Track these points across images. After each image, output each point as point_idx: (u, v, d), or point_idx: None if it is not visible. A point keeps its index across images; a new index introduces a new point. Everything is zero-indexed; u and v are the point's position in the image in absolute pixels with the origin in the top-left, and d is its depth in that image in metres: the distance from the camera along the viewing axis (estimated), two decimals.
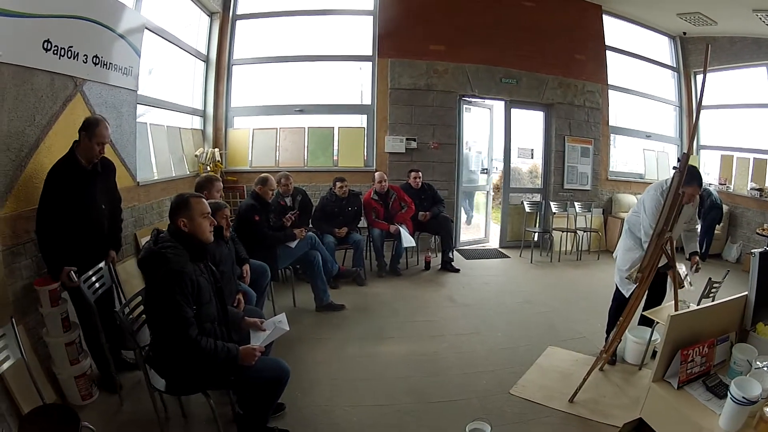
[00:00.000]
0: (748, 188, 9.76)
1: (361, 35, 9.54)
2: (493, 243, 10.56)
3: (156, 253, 2.98)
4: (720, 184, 10.41)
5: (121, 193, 4.67)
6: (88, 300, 3.89)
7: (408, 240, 7.65)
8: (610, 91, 10.58)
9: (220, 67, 9.12)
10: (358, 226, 7.95)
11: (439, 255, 8.56)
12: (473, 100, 9.86)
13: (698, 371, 3.00)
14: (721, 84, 10.76)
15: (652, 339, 4.60)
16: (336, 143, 9.55)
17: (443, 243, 8.40)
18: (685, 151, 3.88)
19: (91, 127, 3.93)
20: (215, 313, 3.22)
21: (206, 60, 9.03)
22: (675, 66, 11.62)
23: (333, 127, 9.52)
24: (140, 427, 3.72)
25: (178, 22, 7.70)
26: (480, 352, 5.20)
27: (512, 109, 10.01)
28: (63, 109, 4.52)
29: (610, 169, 10.89)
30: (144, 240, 5.70)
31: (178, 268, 2.93)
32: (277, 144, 9.36)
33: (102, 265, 4.25)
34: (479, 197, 11.55)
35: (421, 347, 5.30)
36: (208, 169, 8.12)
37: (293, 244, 6.34)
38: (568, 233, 9.65)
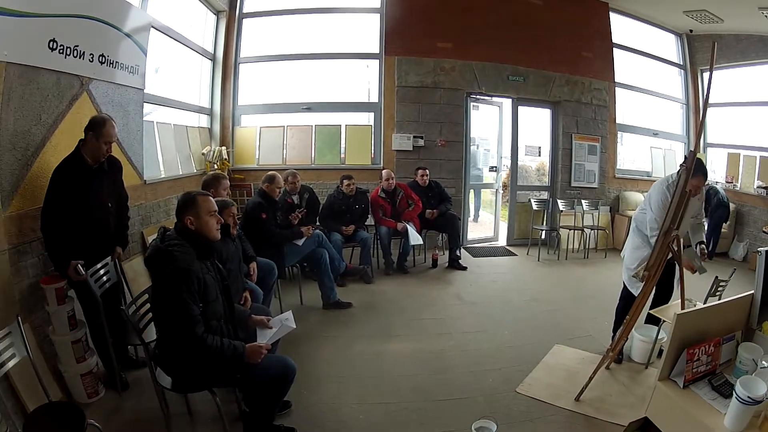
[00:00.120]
0: (755, 186, 9.71)
1: (368, 33, 9.53)
2: (501, 241, 10.54)
3: (163, 251, 2.99)
4: (727, 182, 10.36)
5: (128, 192, 4.69)
6: (94, 294, 3.92)
7: (415, 238, 7.65)
8: (617, 88, 10.54)
9: (227, 65, 9.14)
10: (366, 223, 7.94)
11: (447, 253, 8.56)
12: (482, 97, 9.84)
13: (704, 370, 2.99)
14: (727, 82, 10.70)
15: (659, 337, 4.59)
16: (343, 141, 9.54)
17: (450, 241, 8.40)
18: (692, 149, 3.87)
19: (98, 127, 3.93)
20: (222, 311, 3.23)
21: (213, 58, 9.04)
22: (682, 63, 11.57)
23: (340, 125, 9.51)
24: (146, 425, 3.74)
25: (184, 21, 7.71)
26: (487, 350, 5.19)
27: (519, 107, 9.98)
28: (69, 108, 4.53)
29: (618, 167, 10.85)
30: (151, 238, 5.72)
31: (184, 266, 2.94)
32: (285, 142, 9.36)
33: (108, 260, 4.27)
34: (488, 195, 11.54)
35: (428, 345, 5.31)
36: (215, 167, 8.13)
37: (300, 242, 6.34)
38: (576, 231, 9.64)
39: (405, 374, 4.64)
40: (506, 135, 10.35)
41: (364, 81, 9.86)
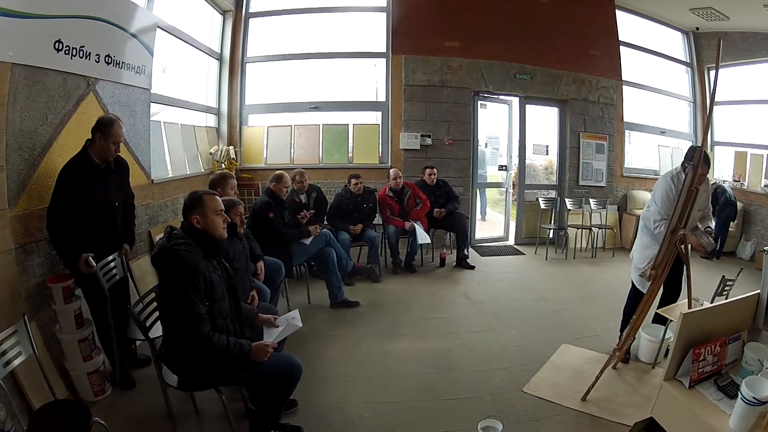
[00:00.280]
0: (762, 185, 9.67)
1: (375, 32, 9.54)
2: (509, 240, 10.52)
3: (169, 250, 2.99)
4: (734, 180, 10.30)
5: (136, 191, 4.73)
6: (102, 287, 3.97)
7: (423, 237, 7.62)
8: (624, 86, 10.50)
9: (234, 65, 9.17)
10: (373, 223, 7.95)
11: (454, 252, 8.54)
12: (490, 96, 9.83)
13: (710, 370, 2.96)
14: (734, 80, 10.65)
15: (666, 337, 4.57)
16: (351, 140, 9.55)
17: (458, 240, 8.37)
18: (697, 145, 3.86)
19: (107, 128, 3.95)
20: (228, 310, 3.24)
21: (220, 58, 9.07)
22: (688, 61, 11.53)
23: (348, 124, 9.52)
24: (152, 423, 3.75)
25: (191, 21, 7.73)
26: (493, 350, 5.19)
27: (527, 105, 9.96)
28: (76, 108, 4.55)
29: (625, 166, 10.80)
30: (158, 237, 5.74)
31: (191, 265, 2.95)
32: (292, 141, 9.38)
33: (115, 255, 4.31)
34: (496, 194, 11.52)
35: (435, 344, 5.30)
36: (223, 166, 8.16)
37: (308, 241, 6.36)
38: (583, 230, 9.57)
39: (412, 373, 4.64)
40: (514, 133, 10.34)
41: (372, 80, 9.86)
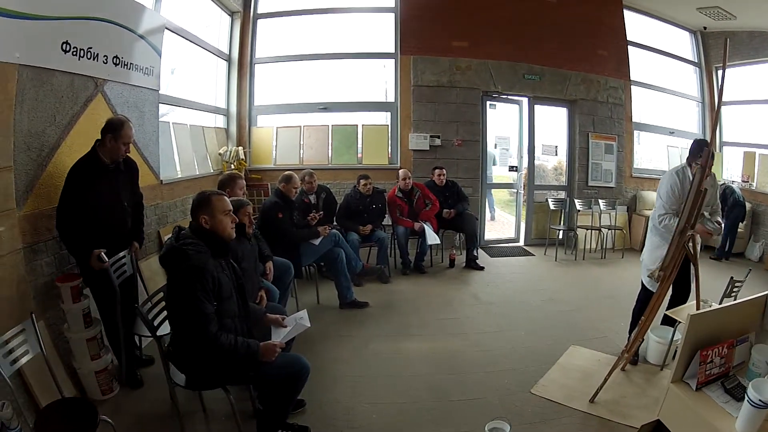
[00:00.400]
0: None
1: (384, 32, 9.55)
2: (520, 241, 10.48)
3: (177, 250, 3.01)
4: (743, 181, 10.23)
5: (145, 192, 4.77)
6: (113, 283, 3.99)
7: (432, 237, 7.62)
8: (632, 86, 10.47)
9: (243, 65, 9.20)
10: (383, 223, 7.96)
11: (464, 253, 8.53)
12: (499, 96, 9.81)
13: (717, 372, 2.93)
14: (742, 79, 10.61)
15: (674, 339, 4.54)
16: (360, 141, 9.56)
17: (468, 240, 8.35)
18: (704, 144, 3.85)
19: (117, 129, 3.97)
20: (236, 310, 3.25)
21: (228, 59, 9.11)
22: (696, 61, 11.49)
23: (357, 125, 9.54)
24: (160, 422, 3.78)
25: (199, 22, 7.76)
26: (502, 351, 5.17)
27: (536, 106, 9.96)
28: (84, 109, 4.57)
29: (634, 166, 10.76)
30: (167, 237, 5.76)
31: (198, 265, 2.96)
32: (301, 142, 9.40)
33: (126, 252, 4.34)
34: (505, 195, 11.49)
35: (444, 345, 5.30)
36: (232, 167, 8.19)
37: (317, 242, 6.37)
38: (593, 231, 9.55)
39: (420, 374, 4.64)
40: (524, 134, 10.31)
41: (381, 81, 9.87)
